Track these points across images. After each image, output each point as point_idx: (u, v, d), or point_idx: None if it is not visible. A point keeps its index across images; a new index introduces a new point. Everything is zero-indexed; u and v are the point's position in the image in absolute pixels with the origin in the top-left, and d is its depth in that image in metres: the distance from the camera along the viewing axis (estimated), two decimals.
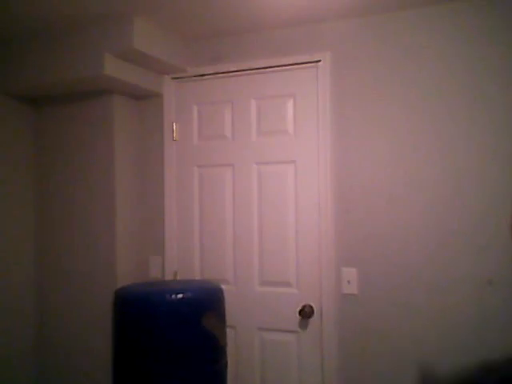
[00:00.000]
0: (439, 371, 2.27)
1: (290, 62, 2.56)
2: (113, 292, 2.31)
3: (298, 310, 2.50)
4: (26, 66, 2.62)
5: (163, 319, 2.13)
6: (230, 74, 2.69)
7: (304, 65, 2.55)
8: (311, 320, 2.51)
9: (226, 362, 2.32)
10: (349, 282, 2.45)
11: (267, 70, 2.61)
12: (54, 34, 2.53)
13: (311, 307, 2.50)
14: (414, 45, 2.36)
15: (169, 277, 2.78)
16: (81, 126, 2.79)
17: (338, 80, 2.49)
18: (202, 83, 2.77)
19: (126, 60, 2.52)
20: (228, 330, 2.37)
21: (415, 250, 2.34)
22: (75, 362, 2.78)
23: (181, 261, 2.79)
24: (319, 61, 2.51)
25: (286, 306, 2.54)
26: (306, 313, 2.49)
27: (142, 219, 2.87)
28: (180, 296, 2.15)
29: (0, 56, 2.68)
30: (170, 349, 2.11)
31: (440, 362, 2.27)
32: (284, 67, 2.58)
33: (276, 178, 2.61)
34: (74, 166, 2.81)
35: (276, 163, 2.61)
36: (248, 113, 2.66)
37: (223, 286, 2.40)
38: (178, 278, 2.77)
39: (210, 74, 2.74)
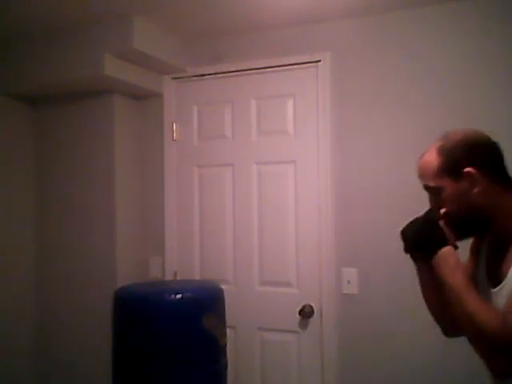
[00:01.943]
0: (441, 371, 2.27)
1: (290, 62, 2.56)
2: (113, 292, 2.31)
3: (298, 310, 2.50)
4: (26, 66, 2.62)
5: (162, 320, 2.12)
6: (230, 74, 2.69)
7: (304, 65, 2.54)
8: (311, 320, 2.51)
9: (226, 362, 2.31)
10: (349, 282, 2.44)
11: (267, 69, 2.61)
12: (54, 34, 2.53)
13: (311, 307, 2.50)
14: (415, 44, 2.36)
15: (169, 277, 2.78)
16: (81, 126, 2.79)
17: (338, 80, 2.49)
18: (202, 83, 2.77)
19: (126, 60, 2.52)
20: (228, 330, 2.36)
21: None
22: (75, 362, 2.78)
23: (181, 261, 2.79)
24: (319, 61, 2.51)
25: (286, 306, 2.54)
26: (306, 313, 2.49)
27: (141, 219, 2.87)
28: (179, 296, 2.15)
29: (0, 56, 2.68)
30: (169, 349, 2.11)
31: (440, 361, 2.27)
32: (284, 67, 2.58)
33: (276, 178, 2.61)
34: (73, 166, 2.81)
35: (276, 163, 2.61)
36: (248, 113, 2.66)
37: (223, 286, 2.39)
38: (178, 278, 2.77)
39: (210, 74, 2.74)
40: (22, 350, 2.83)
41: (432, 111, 2.32)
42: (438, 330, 1.52)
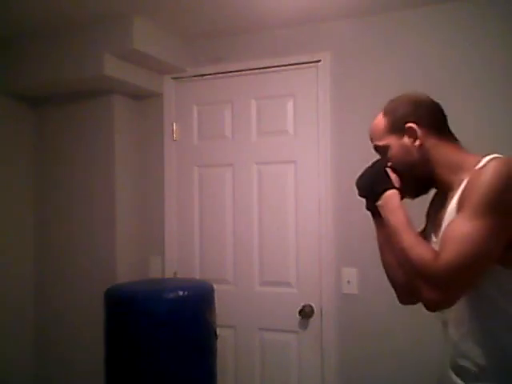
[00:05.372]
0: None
1: (290, 62, 2.56)
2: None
3: (298, 309, 2.50)
4: (26, 66, 2.62)
5: (151, 318, 2.13)
6: (230, 74, 2.69)
7: (304, 65, 2.55)
8: (311, 320, 2.51)
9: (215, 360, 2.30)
10: (349, 282, 2.44)
11: (267, 69, 2.61)
12: (54, 33, 2.53)
13: (311, 307, 2.50)
14: (414, 45, 2.36)
15: (169, 277, 2.77)
16: (81, 126, 2.79)
17: (338, 80, 2.49)
18: (202, 83, 2.77)
19: (126, 60, 2.52)
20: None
21: None
22: (75, 362, 2.77)
23: (181, 261, 2.78)
24: (319, 61, 2.51)
25: (286, 306, 2.54)
26: (306, 313, 2.49)
27: (141, 219, 2.86)
28: (168, 295, 2.15)
29: (0, 56, 2.68)
30: (157, 347, 2.11)
31: (440, 361, 2.27)
32: (284, 67, 2.58)
33: (276, 178, 2.61)
34: (73, 166, 2.81)
35: (276, 163, 2.61)
36: (248, 113, 2.66)
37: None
38: (178, 277, 2.77)
39: (210, 74, 2.74)
40: (22, 350, 2.83)
41: None
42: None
